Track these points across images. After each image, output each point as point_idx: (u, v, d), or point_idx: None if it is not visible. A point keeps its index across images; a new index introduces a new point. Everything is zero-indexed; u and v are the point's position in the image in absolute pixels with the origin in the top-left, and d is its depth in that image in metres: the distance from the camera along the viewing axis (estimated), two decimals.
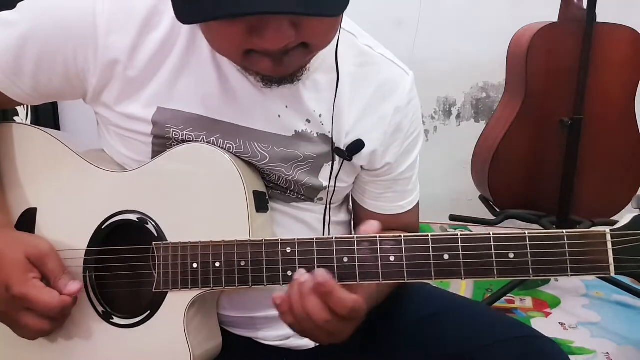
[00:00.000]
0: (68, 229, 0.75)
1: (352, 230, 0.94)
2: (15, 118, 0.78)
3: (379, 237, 0.66)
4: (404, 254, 0.65)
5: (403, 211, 0.87)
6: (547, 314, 1.79)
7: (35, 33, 0.71)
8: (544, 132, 1.83)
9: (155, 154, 0.75)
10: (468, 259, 0.63)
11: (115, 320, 0.73)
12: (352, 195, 0.89)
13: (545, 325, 1.70)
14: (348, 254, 0.66)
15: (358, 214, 0.90)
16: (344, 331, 0.67)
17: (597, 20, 1.69)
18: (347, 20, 0.79)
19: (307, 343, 0.84)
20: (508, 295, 1.80)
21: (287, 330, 0.82)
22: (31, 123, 0.83)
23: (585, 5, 1.70)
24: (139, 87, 0.73)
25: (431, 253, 0.64)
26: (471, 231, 2.35)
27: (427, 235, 0.65)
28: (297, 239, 0.67)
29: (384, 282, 0.66)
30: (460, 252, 0.64)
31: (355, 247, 0.66)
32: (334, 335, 0.67)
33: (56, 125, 2.27)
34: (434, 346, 0.82)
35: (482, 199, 2.04)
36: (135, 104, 0.73)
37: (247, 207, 0.71)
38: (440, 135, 2.39)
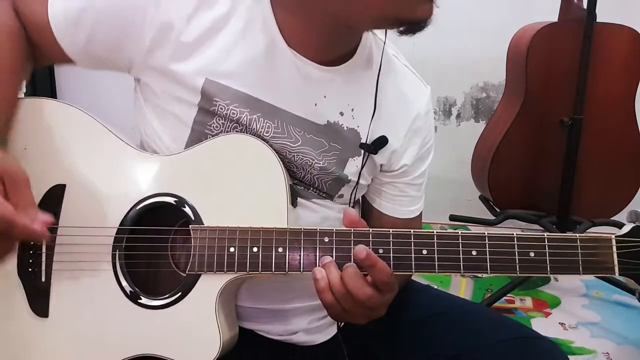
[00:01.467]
0: (99, 207, 0.75)
1: None
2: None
3: (414, 231, 0.70)
4: (435, 248, 0.69)
5: (413, 216, 0.90)
6: (547, 314, 1.79)
7: None
8: (544, 132, 1.83)
9: (195, 132, 0.76)
10: (493, 256, 0.69)
11: (143, 300, 0.73)
12: (366, 198, 0.91)
13: (545, 325, 1.71)
14: (383, 246, 0.70)
15: (371, 217, 0.91)
16: (382, 305, 0.70)
17: (597, 20, 1.69)
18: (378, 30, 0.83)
19: (312, 339, 0.85)
20: (508, 295, 1.81)
21: (295, 326, 0.84)
22: (27, 95, 0.82)
23: (585, 5, 1.70)
24: (189, 53, 0.75)
25: (460, 248, 0.69)
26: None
27: (458, 232, 0.70)
28: (336, 229, 0.70)
29: (416, 272, 0.70)
30: (487, 249, 0.69)
31: (391, 239, 0.70)
32: (373, 310, 0.70)
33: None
34: (434, 347, 0.82)
35: (482, 199, 2.04)
36: (187, 67, 0.75)
37: (286, 198, 0.73)
38: (440, 135, 2.39)
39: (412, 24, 0.70)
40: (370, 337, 0.87)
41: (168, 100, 0.77)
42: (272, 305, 0.83)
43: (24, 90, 0.81)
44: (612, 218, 1.90)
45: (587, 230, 1.84)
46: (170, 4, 0.74)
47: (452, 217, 2.12)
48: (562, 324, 1.73)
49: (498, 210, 1.95)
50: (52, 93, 2.28)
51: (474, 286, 1.93)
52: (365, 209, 0.92)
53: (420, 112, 0.85)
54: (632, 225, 0.69)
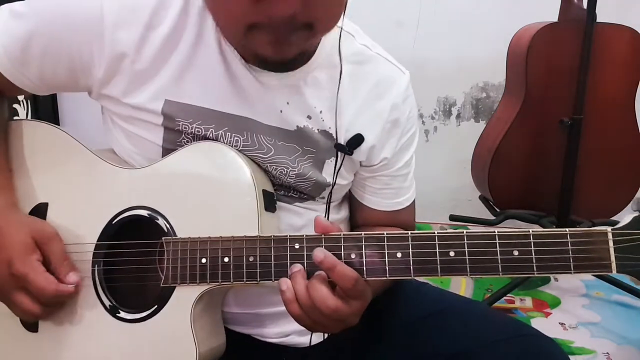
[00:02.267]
0: (78, 223, 0.76)
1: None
2: (15, 118, 0.79)
3: (387, 234, 0.67)
4: (410, 250, 0.66)
5: (400, 207, 0.89)
6: (547, 314, 1.79)
7: (43, 28, 0.72)
8: (544, 132, 1.83)
9: (167, 151, 0.76)
10: (473, 256, 0.65)
11: (122, 314, 0.74)
12: (351, 193, 0.90)
13: (545, 325, 1.70)
14: (355, 250, 0.67)
15: (358, 211, 0.90)
16: (351, 315, 0.67)
17: (597, 20, 1.69)
18: (346, 20, 0.80)
19: (306, 340, 0.85)
20: (508, 295, 1.80)
21: (288, 328, 0.83)
22: (31, 119, 0.84)
23: (585, 5, 1.70)
24: (146, 79, 0.74)
25: (437, 250, 0.65)
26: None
27: (434, 233, 0.66)
28: (306, 235, 0.68)
29: (390, 277, 0.66)
30: (466, 249, 0.65)
31: (363, 243, 0.67)
32: (343, 322, 0.67)
33: (56, 121, 2.27)
34: (434, 345, 0.82)
35: (482, 199, 2.04)
36: (143, 95, 0.74)
37: (256, 205, 0.72)
38: (440, 135, 2.39)
39: (257, 58, 0.69)
40: (368, 337, 0.87)
41: (134, 123, 0.76)
42: (260, 310, 0.82)
43: (29, 112, 0.83)
44: (612, 218, 1.90)
45: None
46: (116, 35, 0.71)
47: (452, 217, 2.12)
48: (562, 324, 1.73)
49: (498, 210, 1.95)
50: (55, 119, 2.28)
51: (474, 286, 1.93)
52: (352, 203, 0.91)
53: (397, 101, 0.82)
54: (632, 216, 0.64)
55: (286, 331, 0.84)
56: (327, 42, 0.78)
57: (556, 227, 1.82)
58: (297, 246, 0.68)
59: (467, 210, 2.17)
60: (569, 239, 0.63)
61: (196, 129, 0.75)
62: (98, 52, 0.72)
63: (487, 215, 2.01)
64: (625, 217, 0.64)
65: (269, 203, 0.75)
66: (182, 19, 0.73)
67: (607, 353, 1.59)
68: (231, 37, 0.70)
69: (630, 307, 1.82)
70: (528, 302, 1.85)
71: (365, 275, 0.66)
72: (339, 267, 0.64)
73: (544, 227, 1.87)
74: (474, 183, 2.04)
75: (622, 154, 1.85)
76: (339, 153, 0.80)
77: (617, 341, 1.64)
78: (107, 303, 0.74)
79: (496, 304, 1.75)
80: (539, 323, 1.73)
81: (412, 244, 0.66)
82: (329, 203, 0.83)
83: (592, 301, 1.86)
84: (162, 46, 0.73)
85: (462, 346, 0.79)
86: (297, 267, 0.67)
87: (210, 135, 0.75)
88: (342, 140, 0.80)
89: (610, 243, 0.63)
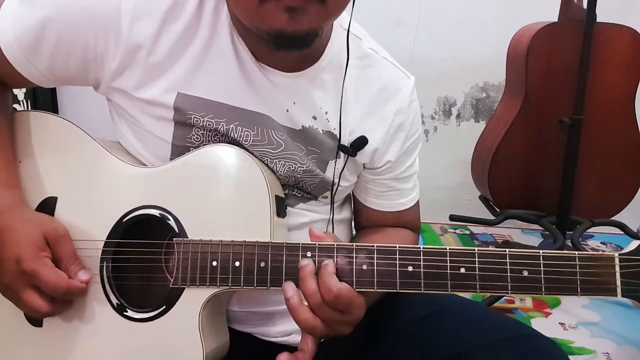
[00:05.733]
0: (88, 219, 0.75)
1: (353, 228, 0.96)
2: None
3: (399, 246, 0.67)
4: (421, 264, 0.66)
5: (404, 208, 0.89)
6: (547, 314, 1.79)
7: (59, 16, 0.71)
8: (544, 132, 1.83)
9: (176, 147, 0.76)
10: (484, 273, 0.65)
11: (129, 313, 0.73)
12: (355, 195, 0.90)
13: (545, 325, 1.70)
14: (367, 261, 0.67)
15: (362, 213, 0.91)
16: (339, 323, 0.68)
17: (597, 20, 1.69)
18: (354, 23, 0.81)
19: None
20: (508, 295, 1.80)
21: (290, 327, 0.83)
22: (42, 110, 0.83)
23: (585, 5, 1.70)
24: (160, 72, 0.74)
25: (448, 264, 0.66)
26: (471, 231, 2.35)
27: (446, 248, 0.66)
28: (318, 244, 0.68)
29: (400, 291, 0.67)
30: (477, 266, 0.65)
31: (375, 255, 0.67)
32: (331, 328, 0.67)
33: None
34: (434, 346, 0.82)
35: (482, 199, 2.04)
36: (155, 89, 0.74)
37: (269, 210, 0.72)
38: (440, 135, 2.39)
39: (270, 36, 0.66)
40: (369, 337, 0.87)
41: (143, 118, 0.76)
42: (262, 308, 0.82)
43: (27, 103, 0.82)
44: (612, 218, 1.90)
45: (587, 230, 1.84)
46: (134, 26, 0.71)
47: (452, 217, 2.12)
48: (562, 324, 1.73)
49: (498, 210, 1.95)
50: (53, 102, 2.28)
51: None
52: (355, 205, 0.92)
53: (402, 105, 0.83)
54: (639, 242, 0.65)
55: (288, 330, 0.84)
56: (335, 44, 0.78)
57: (556, 227, 1.83)
58: (309, 254, 0.68)
59: (467, 210, 2.17)
60: (577, 262, 0.64)
61: (207, 122, 0.75)
62: (114, 43, 0.72)
63: (487, 215, 2.01)
64: (632, 242, 0.66)
65: (280, 209, 0.75)
66: (198, 13, 0.73)
67: (607, 353, 1.59)
68: (245, 10, 0.68)
69: (630, 307, 1.82)
70: (528, 302, 1.85)
71: (375, 287, 0.66)
72: (323, 276, 0.65)
73: (544, 227, 1.87)
74: (474, 183, 2.04)
75: (622, 154, 1.86)
76: (342, 154, 0.80)
77: (617, 341, 1.64)
78: (115, 301, 0.74)
79: (496, 304, 1.75)
80: (539, 323, 1.73)
81: (423, 258, 0.66)
82: (332, 203, 0.83)
83: (592, 301, 1.86)
84: (178, 40, 0.73)
85: (461, 347, 0.79)
86: (306, 261, 0.68)
87: (221, 128, 0.75)
88: (346, 142, 0.80)
89: (617, 268, 0.64)
